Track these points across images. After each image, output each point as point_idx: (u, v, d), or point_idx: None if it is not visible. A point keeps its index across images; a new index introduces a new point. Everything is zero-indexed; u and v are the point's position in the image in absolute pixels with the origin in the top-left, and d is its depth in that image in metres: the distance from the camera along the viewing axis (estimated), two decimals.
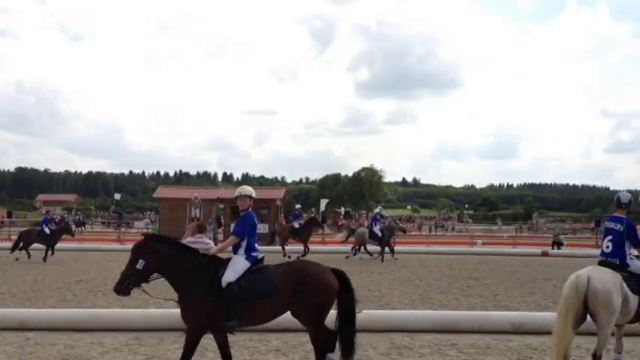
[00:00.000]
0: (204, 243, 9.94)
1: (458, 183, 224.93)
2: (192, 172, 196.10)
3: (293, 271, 6.80)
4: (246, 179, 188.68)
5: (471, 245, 34.87)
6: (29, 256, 22.48)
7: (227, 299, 6.57)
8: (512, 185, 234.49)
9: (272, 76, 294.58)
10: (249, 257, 6.86)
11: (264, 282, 6.67)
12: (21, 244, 22.77)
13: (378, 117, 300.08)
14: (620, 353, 7.56)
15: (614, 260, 7.20)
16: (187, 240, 10.08)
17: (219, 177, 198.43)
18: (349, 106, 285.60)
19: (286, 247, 25.52)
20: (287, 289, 6.60)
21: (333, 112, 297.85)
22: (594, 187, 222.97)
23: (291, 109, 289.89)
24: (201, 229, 10.48)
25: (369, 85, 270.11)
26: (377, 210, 27.38)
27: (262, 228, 34.58)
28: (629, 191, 8.49)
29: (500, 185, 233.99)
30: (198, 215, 32.91)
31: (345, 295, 6.89)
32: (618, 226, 7.26)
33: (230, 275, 6.68)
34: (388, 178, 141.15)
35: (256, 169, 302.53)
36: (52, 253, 22.87)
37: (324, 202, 53.07)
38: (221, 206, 37.27)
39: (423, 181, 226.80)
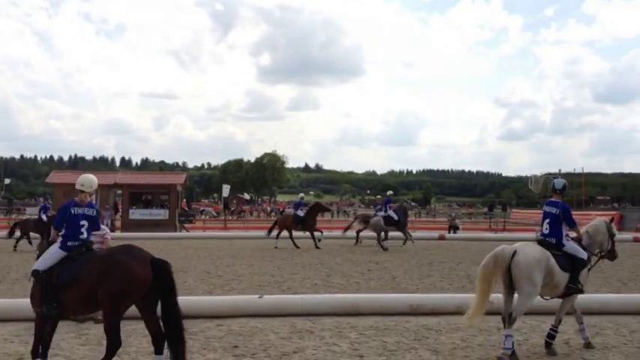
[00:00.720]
0: (101, 229, 9.66)
1: (359, 169, 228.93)
2: (88, 156, 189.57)
3: (101, 257, 6.52)
4: (146, 164, 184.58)
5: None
6: (31, 243, 21.50)
7: (39, 286, 6.57)
8: (411, 171, 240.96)
9: (172, 59, 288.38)
10: (63, 246, 6.72)
11: (72, 269, 6.51)
12: (18, 234, 21.94)
13: (280, 103, 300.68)
14: (582, 323, 8.08)
15: (551, 240, 7.80)
16: None
17: (117, 162, 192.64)
18: (252, 92, 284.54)
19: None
20: (91, 276, 6.35)
21: (236, 97, 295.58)
22: (488, 173, 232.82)
23: (192, 94, 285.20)
24: None
25: (271, 71, 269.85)
26: (389, 193, 26.29)
27: (163, 214, 34.03)
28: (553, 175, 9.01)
29: (400, 171, 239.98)
30: (94, 201, 31.84)
31: (161, 288, 6.44)
32: (555, 210, 7.90)
33: (38, 263, 6.64)
34: (291, 163, 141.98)
35: (156, 153, 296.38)
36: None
37: (226, 188, 52.55)
38: (119, 192, 36.26)
39: (326, 167, 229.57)
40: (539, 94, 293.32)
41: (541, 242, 7.84)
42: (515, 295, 7.53)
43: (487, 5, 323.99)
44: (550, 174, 68.47)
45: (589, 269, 8.02)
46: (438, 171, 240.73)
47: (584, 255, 7.83)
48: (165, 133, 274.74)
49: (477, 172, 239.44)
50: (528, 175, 74.97)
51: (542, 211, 8.27)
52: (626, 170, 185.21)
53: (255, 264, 17.39)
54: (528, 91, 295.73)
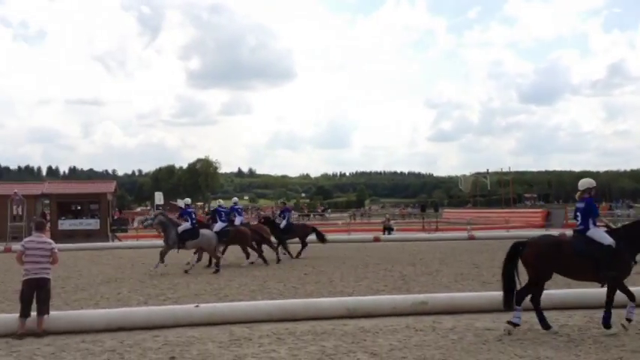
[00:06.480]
0: (46, 243, 9.35)
1: (293, 172, 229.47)
2: (13, 166, 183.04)
3: None
4: (74, 173, 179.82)
5: None
6: None
7: None
8: (345, 174, 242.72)
9: (98, 64, 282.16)
10: None
11: None
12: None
13: (212, 107, 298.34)
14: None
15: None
16: (27, 239, 9.40)
17: (44, 171, 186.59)
18: (182, 97, 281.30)
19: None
20: None
21: (166, 102, 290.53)
22: (419, 173, 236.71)
23: (120, 100, 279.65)
24: (39, 227, 9.83)
25: (201, 75, 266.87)
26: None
27: (94, 224, 33.14)
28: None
29: (333, 174, 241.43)
30: (20, 212, 30.95)
31: None
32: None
33: None
34: (224, 168, 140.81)
35: (84, 162, 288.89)
36: None
37: (158, 195, 51.74)
38: (46, 202, 35.23)
39: (259, 171, 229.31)
40: (466, 95, 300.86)
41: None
42: None
43: (411, 7, 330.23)
44: (479, 173, 70.29)
45: None
46: (370, 173, 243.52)
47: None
48: (94, 140, 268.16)
49: (409, 173, 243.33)
50: (458, 175, 76.84)
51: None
52: (551, 168, 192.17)
53: (190, 272, 17.16)
54: (456, 93, 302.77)
